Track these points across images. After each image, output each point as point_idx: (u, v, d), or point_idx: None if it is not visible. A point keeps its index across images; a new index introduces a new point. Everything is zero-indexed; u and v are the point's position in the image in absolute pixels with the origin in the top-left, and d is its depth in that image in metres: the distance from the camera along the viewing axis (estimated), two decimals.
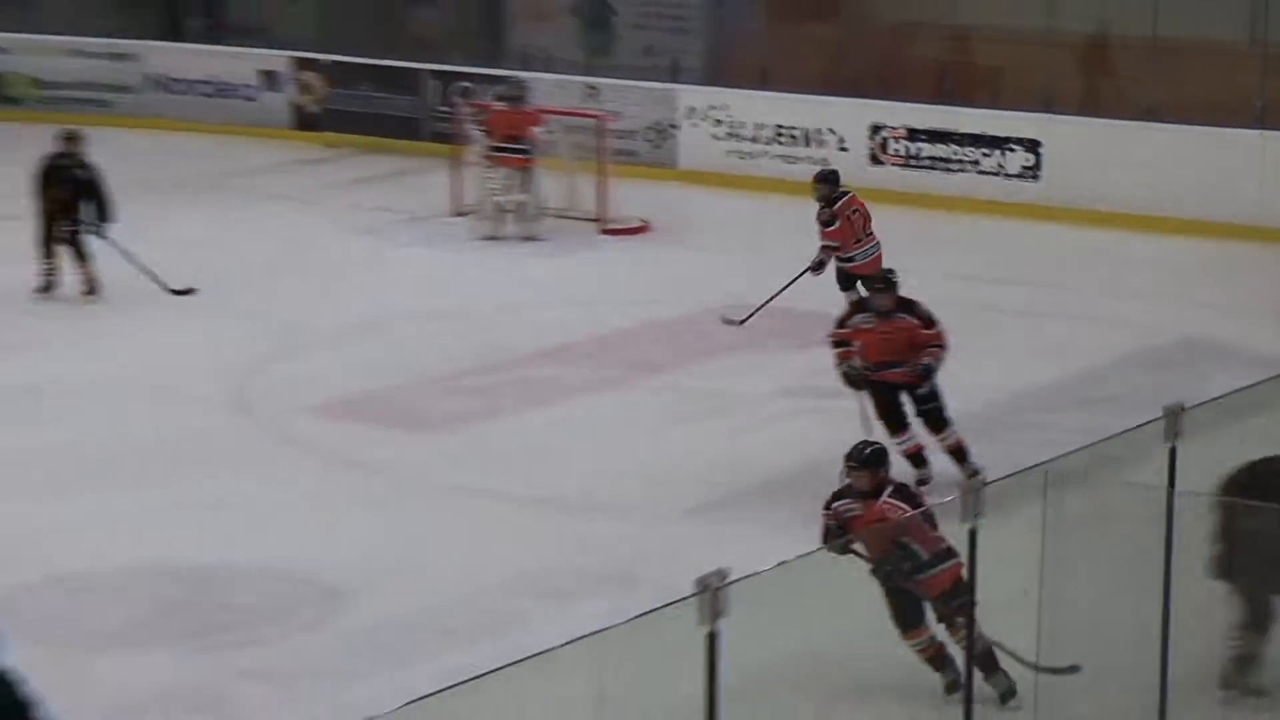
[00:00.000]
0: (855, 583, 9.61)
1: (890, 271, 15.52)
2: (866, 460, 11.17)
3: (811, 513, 12.80)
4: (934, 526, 10.14)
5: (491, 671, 6.86)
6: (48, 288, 22.05)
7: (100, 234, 21.87)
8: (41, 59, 32.35)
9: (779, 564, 7.52)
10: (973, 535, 8.06)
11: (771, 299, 20.53)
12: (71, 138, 22.50)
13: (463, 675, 6.90)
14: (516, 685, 7.04)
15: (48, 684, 8.51)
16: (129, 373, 19.06)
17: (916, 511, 10.65)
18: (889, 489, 10.96)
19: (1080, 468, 9.31)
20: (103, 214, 21.91)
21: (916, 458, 15.30)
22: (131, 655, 12.38)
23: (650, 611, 7.00)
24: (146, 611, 13.40)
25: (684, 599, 6.72)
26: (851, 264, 18.99)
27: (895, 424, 15.25)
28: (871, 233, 18.65)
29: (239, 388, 19.01)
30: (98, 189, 22.02)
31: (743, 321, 20.84)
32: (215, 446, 16.88)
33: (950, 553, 9.82)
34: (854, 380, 15.37)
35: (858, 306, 15.78)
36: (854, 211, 18.65)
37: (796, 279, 20.31)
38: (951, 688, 10.38)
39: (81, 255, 21.32)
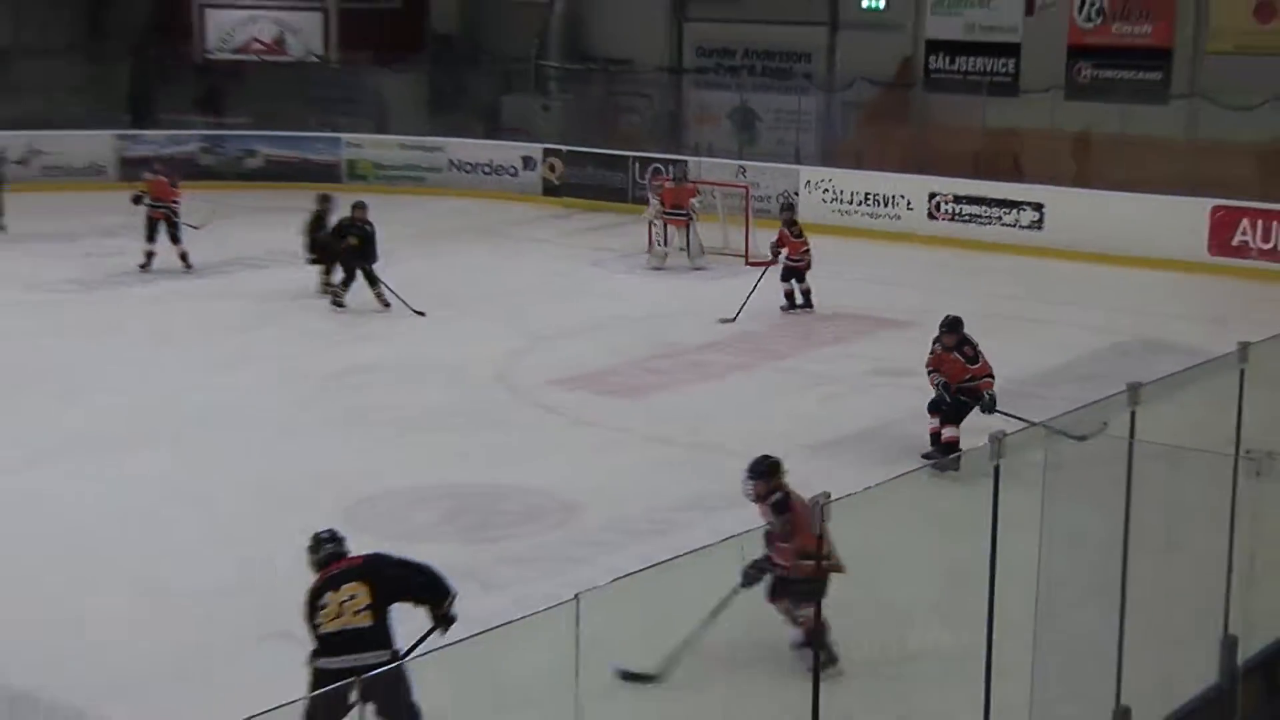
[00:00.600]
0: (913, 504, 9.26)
1: (958, 320, 16.74)
2: (756, 471, 11.62)
3: (889, 454, 16.20)
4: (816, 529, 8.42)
5: (672, 559, 7.64)
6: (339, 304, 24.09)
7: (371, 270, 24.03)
8: (381, 150, 35.82)
9: (865, 489, 7.78)
10: (996, 471, 8.11)
11: (746, 300, 23.25)
12: (360, 205, 24.42)
13: (652, 561, 7.74)
14: (685, 569, 7.84)
15: None
16: (430, 358, 21.24)
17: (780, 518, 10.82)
18: (773, 496, 11.32)
19: (1070, 424, 9.23)
20: (373, 257, 23.96)
21: (953, 446, 16.16)
22: (434, 544, 13.40)
23: None
24: (444, 515, 15.17)
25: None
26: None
27: (951, 420, 16.48)
28: None
29: (504, 369, 20.93)
30: (373, 241, 23.97)
31: (733, 319, 23.34)
32: (489, 408, 18.99)
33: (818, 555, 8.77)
34: (942, 393, 16.53)
35: (936, 340, 16.92)
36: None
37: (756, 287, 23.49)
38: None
39: (373, 281, 23.52)
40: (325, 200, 23.25)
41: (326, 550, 10.14)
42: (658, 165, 32.24)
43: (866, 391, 19.90)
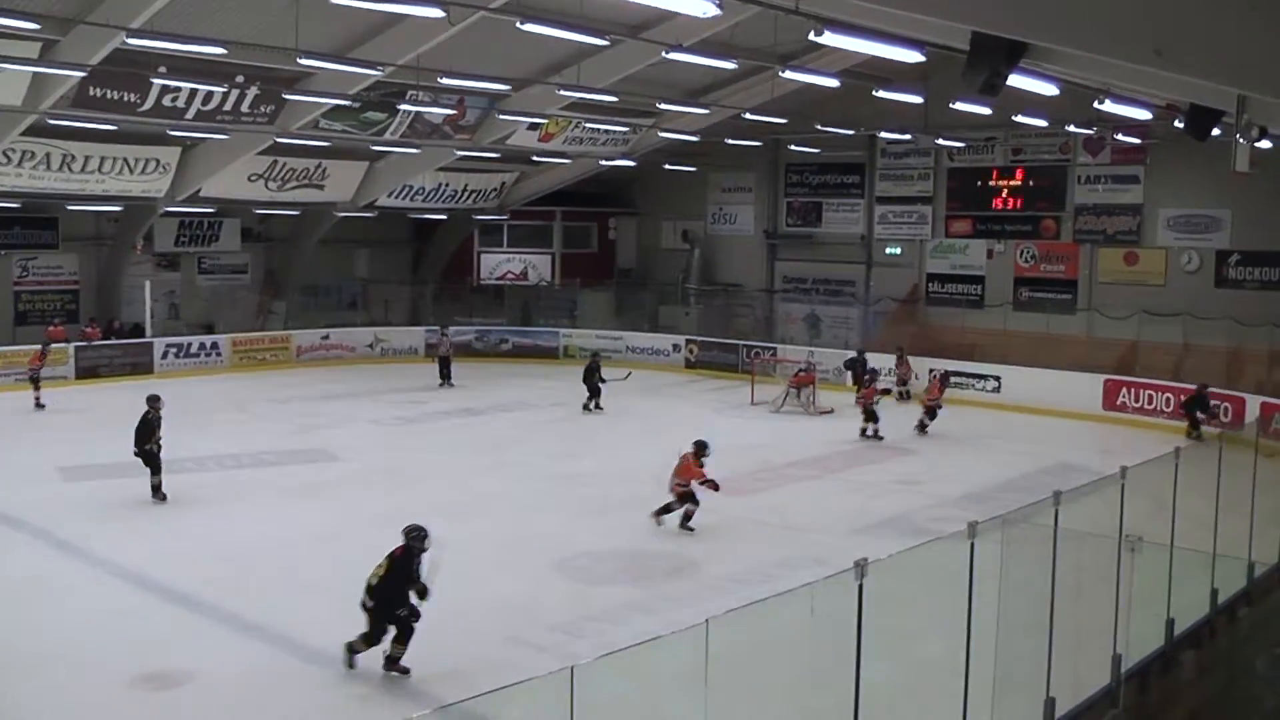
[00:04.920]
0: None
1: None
2: (701, 448, 16.00)
3: (907, 532, 15.72)
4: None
5: (770, 597, 7.71)
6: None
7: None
8: (584, 339, 34.66)
9: (890, 555, 7.78)
10: (971, 548, 8.00)
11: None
12: (596, 355, 27.58)
13: (754, 599, 7.77)
14: (776, 606, 7.56)
15: (568, 601, 11.62)
16: (612, 468, 20.80)
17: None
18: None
19: (1017, 518, 9.05)
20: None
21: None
22: (612, 586, 13.98)
23: (833, 575, 7.36)
24: (619, 567, 14.95)
25: (845, 570, 7.15)
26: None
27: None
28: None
29: (657, 476, 18.36)
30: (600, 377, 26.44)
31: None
32: (645, 500, 17.59)
33: None
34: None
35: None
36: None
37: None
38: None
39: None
40: (155, 400, 18.09)
41: (407, 538, 11.49)
42: (758, 350, 32.26)
43: (891, 494, 19.48)
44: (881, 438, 23.72)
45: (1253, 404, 23.47)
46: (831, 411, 27.20)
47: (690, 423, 25.52)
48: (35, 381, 25.70)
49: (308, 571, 14.67)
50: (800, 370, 28.35)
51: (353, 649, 11.43)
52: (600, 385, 26.49)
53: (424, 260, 40.29)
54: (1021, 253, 32.83)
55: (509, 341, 35.96)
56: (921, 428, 24.08)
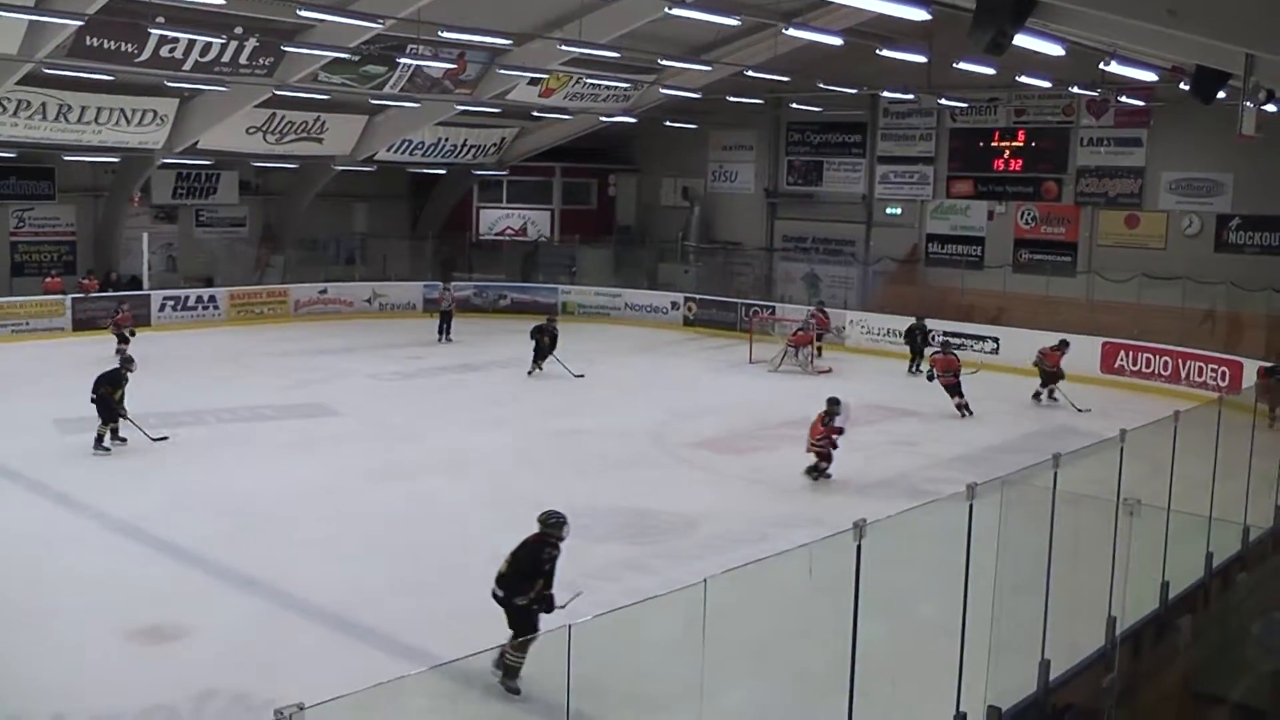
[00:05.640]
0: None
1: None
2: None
3: (905, 493, 15.54)
4: None
5: (768, 557, 7.46)
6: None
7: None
8: (583, 296, 35.19)
9: (888, 516, 7.65)
10: (970, 509, 7.90)
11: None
12: (551, 319, 26.26)
13: (752, 559, 7.42)
14: (774, 566, 7.42)
15: (565, 558, 10.15)
16: (610, 426, 20.74)
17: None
18: None
19: (1016, 479, 8.96)
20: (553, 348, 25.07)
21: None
22: (607, 544, 13.72)
23: (831, 535, 7.27)
24: (615, 526, 14.64)
25: (844, 531, 7.12)
26: None
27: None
28: None
29: (656, 433, 20.46)
30: (555, 337, 25.31)
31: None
32: (644, 458, 18.64)
33: None
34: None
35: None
36: None
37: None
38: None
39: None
40: (129, 362, 18.88)
41: (544, 525, 10.35)
42: (757, 309, 31.90)
43: (890, 454, 19.36)
44: (971, 412, 22.49)
45: (1250, 367, 23.41)
46: (830, 371, 27.17)
47: (688, 380, 26.25)
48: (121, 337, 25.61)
49: (305, 526, 14.68)
50: (799, 329, 28.26)
51: (506, 668, 9.71)
52: (547, 347, 25.50)
53: (423, 215, 40.09)
54: (1022, 214, 32.71)
55: (508, 297, 35.82)
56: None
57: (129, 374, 18.57)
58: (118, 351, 23.75)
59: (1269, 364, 22.01)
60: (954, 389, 22.69)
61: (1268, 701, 10.69)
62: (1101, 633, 9.84)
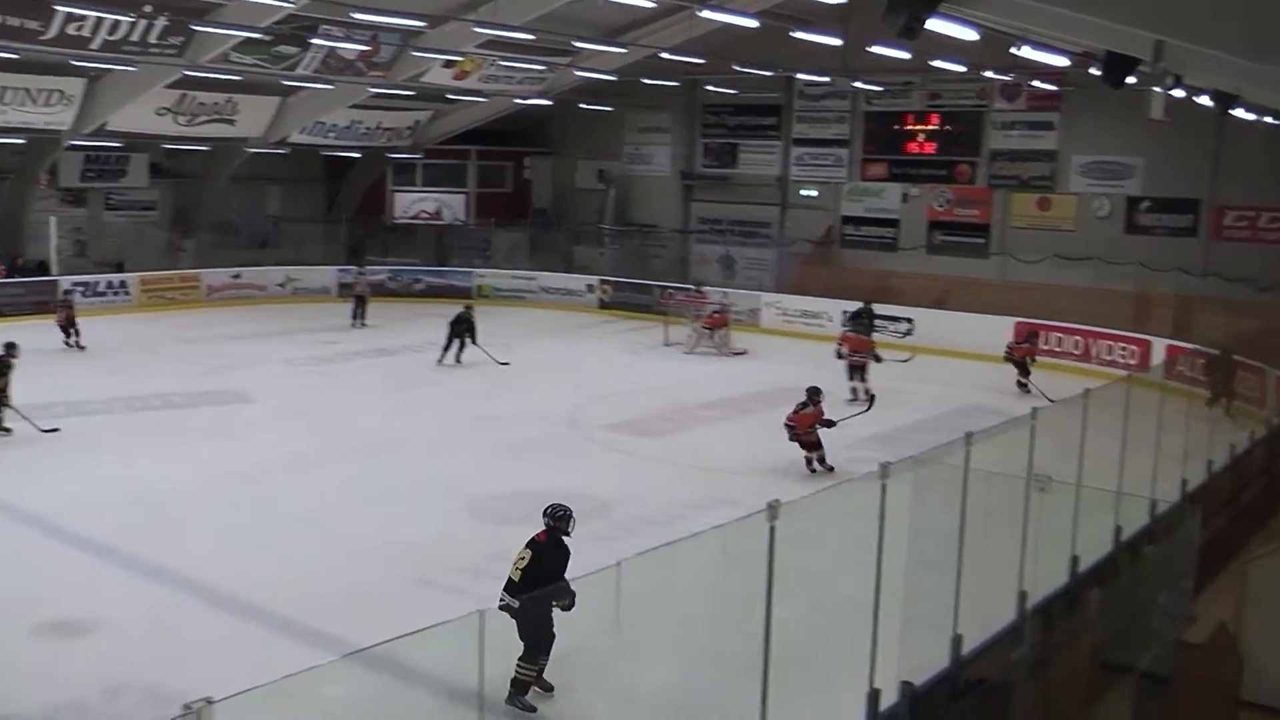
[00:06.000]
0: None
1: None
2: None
3: (818, 474, 16.25)
4: None
5: (682, 539, 7.39)
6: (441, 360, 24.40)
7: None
8: (498, 279, 34.90)
9: (802, 497, 7.59)
10: (883, 488, 7.82)
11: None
12: (470, 306, 25.70)
13: (666, 541, 7.25)
14: (687, 548, 7.25)
15: (480, 542, 11.08)
16: (526, 410, 20.59)
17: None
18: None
19: (929, 458, 8.95)
20: (474, 338, 24.72)
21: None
22: (520, 527, 11.49)
23: (745, 516, 7.04)
24: (531, 509, 12.24)
25: (758, 512, 6.91)
26: None
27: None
28: None
29: (573, 416, 20.45)
30: (474, 327, 24.79)
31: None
32: (559, 441, 18.62)
33: None
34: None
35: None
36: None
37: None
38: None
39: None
40: (12, 347, 17.95)
41: (545, 521, 9.87)
42: (670, 290, 31.54)
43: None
44: (870, 401, 20.85)
45: (1158, 346, 23.85)
46: (745, 353, 27.24)
47: (604, 363, 26.24)
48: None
49: (219, 514, 14.48)
50: (715, 312, 28.27)
51: (516, 682, 9.38)
52: (467, 337, 25.02)
53: (337, 199, 39.62)
54: (936, 197, 33.06)
55: (422, 281, 35.43)
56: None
57: (13, 361, 17.87)
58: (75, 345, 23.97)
59: (1215, 351, 22.07)
60: (857, 371, 22.21)
61: (1172, 669, 10.77)
62: (1013, 607, 9.81)
